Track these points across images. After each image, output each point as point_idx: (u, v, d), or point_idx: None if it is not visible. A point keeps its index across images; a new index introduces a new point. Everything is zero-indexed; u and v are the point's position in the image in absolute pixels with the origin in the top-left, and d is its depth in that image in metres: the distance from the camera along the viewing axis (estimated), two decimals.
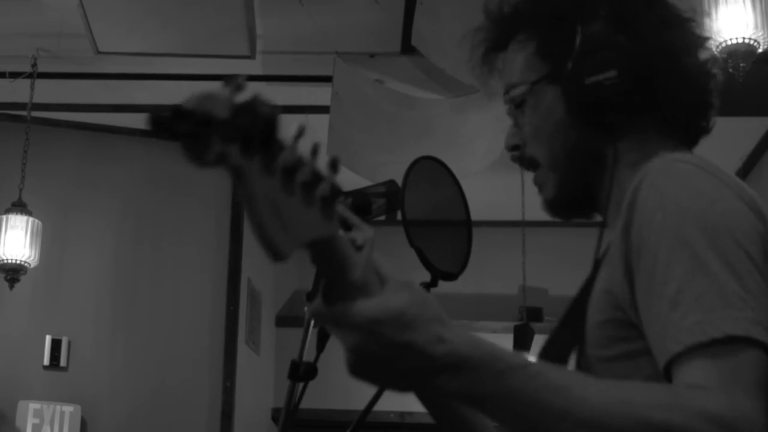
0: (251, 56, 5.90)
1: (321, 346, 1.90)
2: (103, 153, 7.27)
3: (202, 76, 6.44)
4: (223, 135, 1.02)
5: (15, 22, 5.96)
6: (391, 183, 1.86)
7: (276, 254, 1.08)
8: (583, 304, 1.63)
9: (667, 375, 1.38)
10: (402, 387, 1.30)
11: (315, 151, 1.15)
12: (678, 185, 1.49)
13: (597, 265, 1.69)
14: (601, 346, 1.57)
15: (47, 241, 6.42)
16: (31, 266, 6.21)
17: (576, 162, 1.73)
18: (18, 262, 6.12)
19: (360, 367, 1.24)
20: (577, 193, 1.74)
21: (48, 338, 6.78)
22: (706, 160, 1.55)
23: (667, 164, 1.54)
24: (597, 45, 1.66)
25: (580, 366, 1.63)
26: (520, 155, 1.80)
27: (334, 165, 1.17)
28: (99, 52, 5.86)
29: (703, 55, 1.73)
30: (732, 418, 1.28)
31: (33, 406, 6.55)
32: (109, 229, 7.20)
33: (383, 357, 1.23)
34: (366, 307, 1.21)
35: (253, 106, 1.06)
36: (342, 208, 1.26)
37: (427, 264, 1.84)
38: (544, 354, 1.70)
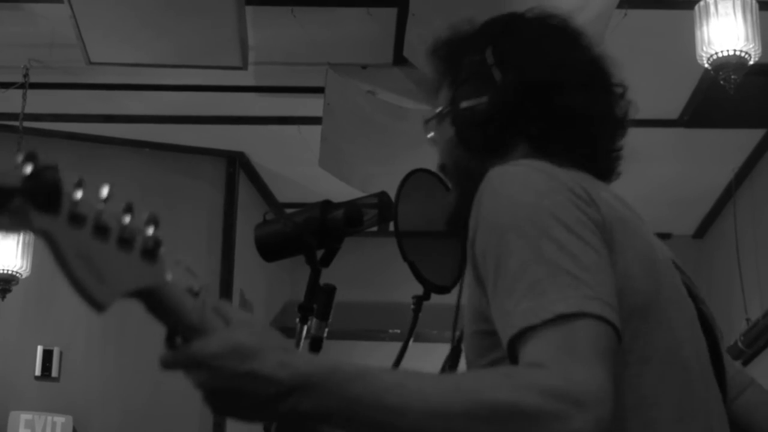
0: (243, 67, 5.90)
1: None
2: (95, 163, 7.26)
3: (194, 86, 6.44)
4: (17, 200, 1.07)
5: (7, 32, 5.95)
6: (382, 194, 1.87)
7: (95, 305, 1.15)
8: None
9: (512, 362, 1.42)
10: (261, 417, 1.38)
11: (129, 209, 1.23)
12: (510, 185, 1.56)
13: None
14: (475, 356, 1.62)
15: (39, 251, 6.40)
16: (23, 277, 6.20)
17: (462, 180, 1.82)
18: (10, 272, 6.12)
19: (213, 402, 1.33)
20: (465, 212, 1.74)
21: (39, 349, 6.78)
22: (543, 163, 1.63)
23: (502, 169, 1.61)
24: (475, 76, 1.82)
25: None
26: (443, 169, 1.91)
27: (153, 220, 1.27)
28: (91, 63, 5.85)
29: (591, 91, 1.81)
30: (567, 388, 1.32)
31: (24, 416, 6.54)
32: None
33: (230, 389, 1.30)
34: (205, 343, 1.31)
35: (40, 171, 1.10)
36: (180, 261, 1.33)
37: (420, 278, 1.84)
38: (444, 367, 1.78)
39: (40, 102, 6.47)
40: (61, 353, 6.82)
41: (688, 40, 5.01)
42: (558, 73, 1.78)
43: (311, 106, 6.37)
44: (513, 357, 1.41)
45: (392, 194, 1.89)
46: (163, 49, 5.84)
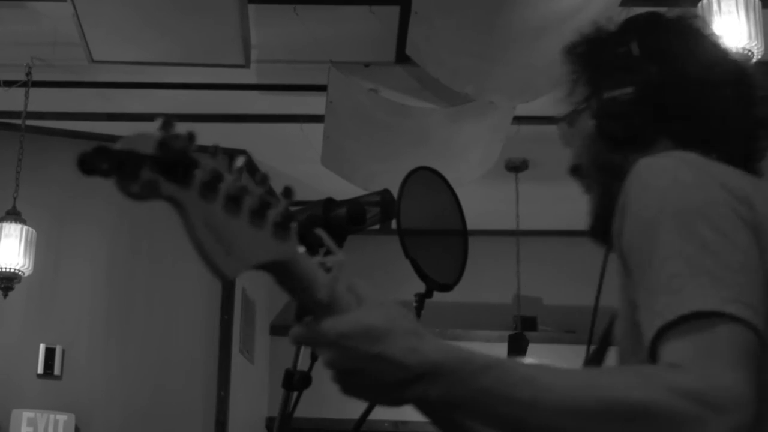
0: (246, 65, 5.90)
1: (315, 355, 1.90)
2: None
3: (196, 85, 6.44)
4: (148, 168, 1.06)
5: (10, 30, 5.96)
6: (385, 192, 1.86)
7: (220, 275, 1.14)
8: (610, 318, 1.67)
9: (652, 358, 1.40)
10: (389, 400, 1.33)
11: (263, 180, 1.20)
12: (658, 178, 1.53)
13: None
14: (630, 353, 1.59)
15: (41, 249, 6.41)
16: (26, 275, 6.20)
17: (602, 177, 1.80)
18: (12, 270, 6.11)
19: (341, 382, 1.30)
20: (609, 210, 1.70)
21: (42, 347, 6.78)
22: (696, 156, 1.60)
23: (651, 160, 1.58)
24: (619, 68, 1.79)
25: None
26: (577, 170, 1.88)
27: (287, 192, 1.22)
28: (93, 61, 5.85)
29: (729, 84, 1.79)
30: (706, 391, 1.30)
31: (27, 414, 6.54)
32: (103, 237, 7.19)
33: (359, 370, 1.28)
34: (336, 322, 1.26)
35: (177, 140, 1.10)
36: (319, 232, 1.31)
37: (422, 275, 1.84)
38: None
39: (42, 100, 6.47)
40: (63, 351, 6.82)
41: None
42: (706, 70, 1.76)
43: (314, 104, 6.37)
44: (653, 354, 1.40)
45: (395, 192, 1.89)
46: (165, 48, 5.84)
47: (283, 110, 6.91)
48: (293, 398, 1.88)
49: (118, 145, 1.10)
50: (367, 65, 6.24)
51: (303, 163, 7.43)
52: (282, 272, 1.26)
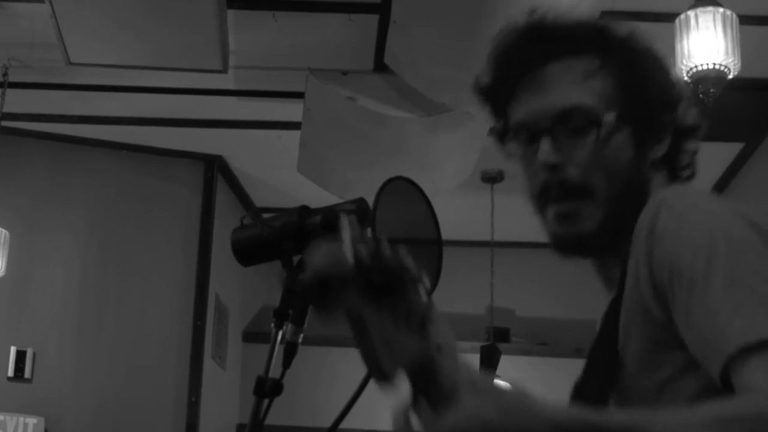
0: (224, 71, 5.89)
1: (287, 362, 1.90)
2: (73, 165, 7.25)
3: (174, 89, 6.43)
4: (352, 290, 1.11)
5: None
6: (360, 201, 1.86)
7: (381, 377, 1.18)
8: (611, 340, 1.67)
9: (723, 383, 1.42)
10: None
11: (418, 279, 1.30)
12: (695, 208, 1.56)
13: (617, 300, 1.69)
14: (646, 373, 1.60)
15: (14, 252, 6.38)
16: None
17: (629, 198, 1.74)
18: None
19: None
20: (616, 229, 1.72)
21: (13, 349, 6.75)
22: (703, 191, 1.66)
23: (678, 192, 1.63)
24: (667, 86, 1.81)
25: (621, 401, 1.66)
26: (561, 177, 1.75)
27: (428, 288, 1.32)
28: (71, 63, 5.83)
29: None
30: None
31: None
32: (76, 241, 7.17)
33: None
34: (454, 419, 1.30)
35: (379, 257, 1.15)
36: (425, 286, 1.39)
37: None
38: (579, 396, 1.73)
39: (18, 101, 6.45)
40: (34, 354, 6.80)
41: (667, 53, 5.02)
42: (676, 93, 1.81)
43: (291, 111, 6.37)
44: (725, 377, 1.42)
45: (370, 201, 1.89)
46: (143, 51, 5.83)
47: (260, 116, 6.91)
48: (264, 405, 1.87)
49: (320, 270, 1.19)
50: (345, 73, 6.24)
51: (279, 170, 7.43)
52: (421, 368, 1.31)
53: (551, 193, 1.75)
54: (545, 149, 1.75)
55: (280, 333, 1.91)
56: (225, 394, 7.88)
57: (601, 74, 1.77)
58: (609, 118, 1.73)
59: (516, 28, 1.88)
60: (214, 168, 7.65)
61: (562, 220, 1.76)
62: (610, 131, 1.73)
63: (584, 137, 1.74)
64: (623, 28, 1.86)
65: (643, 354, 1.60)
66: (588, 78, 1.77)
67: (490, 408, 1.31)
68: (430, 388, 1.30)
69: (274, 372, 1.90)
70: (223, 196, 7.81)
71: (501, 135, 1.87)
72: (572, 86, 1.77)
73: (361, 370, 1.85)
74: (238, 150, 7.51)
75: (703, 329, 1.46)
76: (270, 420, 2.00)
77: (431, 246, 1.91)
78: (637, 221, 1.65)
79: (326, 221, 1.85)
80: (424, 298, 1.23)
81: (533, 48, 1.83)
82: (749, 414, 1.32)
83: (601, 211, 1.73)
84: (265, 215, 1.97)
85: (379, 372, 1.14)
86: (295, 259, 1.88)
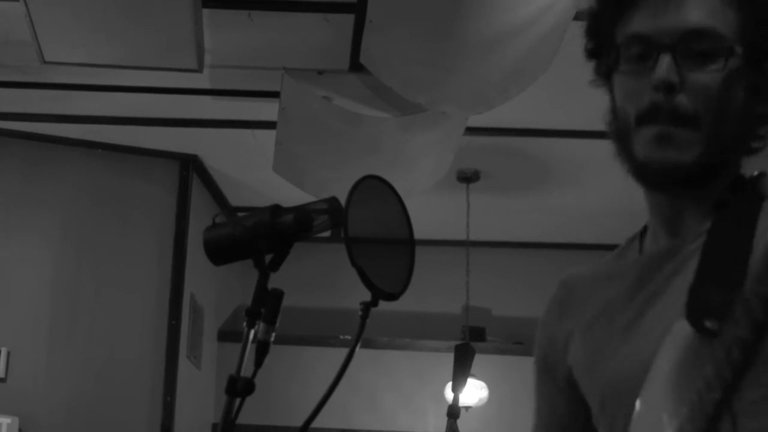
0: (199, 70, 5.88)
1: (259, 361, 1.90)
2: (47, 164, 7.22)
3: (149, 88, 6.41)
4: None
5: None
6: (333, 200, 1.87)
7: None
8: (740, 256, 1.51)
9: None
10: None
11: None
12: None
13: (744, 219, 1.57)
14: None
15: None
16: None
17: (733, 142, 1.64)
18: None
19: None
20: (712, 169, 1.62)
21: None
22: None
23: None
24: None
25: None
26: (675, 101, 1.60)
27: None
28: (45, 62, 5.80)
29: None
30: None
31: None
32: (50, 240, 7.14)
33: None
34: None
35: None
36: None
37: (368, 283, 1.84)
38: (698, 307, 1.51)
39: None
40: (8, 354, 6.77)
41: None
42: None
43: (266, 110, 6.36)
44: None
45: (344, 200, 1.89)
46: (118, 50, 5.81)
47: (235, 116, 6.89)
48: (236, 404, 1.88)
49: None
50: (320, 73, 6.23)
51: (255, 169, 7.42)
52: None
53: (659, 115, 1.60)
54: (665, 67, 1.60)
55: (252, 332, 1.92)
56: (200, 394, 7.86)
57: (737, 5, 1.63)
58: (739, 51, 1.60)
59: None
60: (190, 167, 7.63)
61: (664, 144, 1.60)
62: (736, 67, 1.60)
63: (709, 65, 1.60)
64: None
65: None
66: (724, 4, 1.62)
67: None
68: None
69: (247, 371, 1.91)
70: (198, 196, 7.79)
71: (596, 51, 1.73)
72: (707, 8, 1.62)
73: (336, 370, 1.86)
74: (214, 149, 7.50)
75: None
76: (246, 419, 2.00)
77: (404, 245, 1.92)
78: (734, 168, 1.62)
79: (299, 220, 1.86)
80: None
81: None
82: None
83: (704, 146, 1.60)
84: (241, 214, 1.97)
85: None
86: (268, 257, 1.89)
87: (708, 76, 1.59)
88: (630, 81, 1.64)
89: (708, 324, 1.41)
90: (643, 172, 1.63)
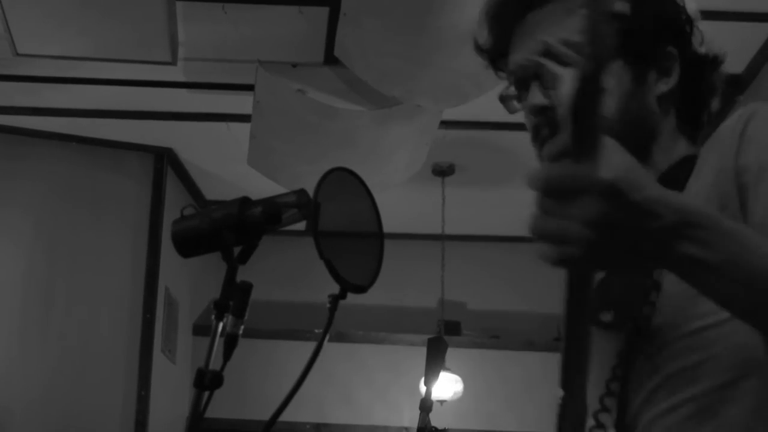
0: (173, 63, 5.86)
1: (228, 354, 1.89)
2: (21, 156, 7.18)
3: (123, 81, 6.39)
4: None
5: None
6: (301, 192, 1.86)
7: None
8: None
9: None
10: (641, 257, 1.23)
11: None
12: None
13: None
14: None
15: None
16: None
17: (629, 133, 1.60)
18: None
19: (596, 245, 1.15)
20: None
21: None
22: None
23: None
24: (666, 12, 1.70)
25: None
26: (551, 118, 1.67)
27: None
28: (18, 54, 5.78)
29: None
30: None
31: None
32: (23, 233, 7.11)
33: (618, 226, 1.15)
34: (598, 167, 1.14)
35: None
36: None
37: (336, 276, 1.83)
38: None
39: None
40: None
41: None
42: None
43: (241, 103, 6.35)
44: None
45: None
46: (91, 43, 5.79)
47: (209, 108, 6.88)
48: (205, 398, 1.87)
49: None
50: (294, 66, 6.22)
51: (229, 163, 7.40)
52: None
53: (541, 133, 1.68)
54: (532, 94, 1.70)
55: (221, 325, 1.91)
56: (175, 388, 7.84)
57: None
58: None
59: None
60: (164, 160, 7.61)
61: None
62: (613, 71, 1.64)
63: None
64: None
65: None
66: (571, 15, 1.67)
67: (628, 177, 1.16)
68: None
69: (217, 364, 1.90)
70: (172, 189, 7.77)
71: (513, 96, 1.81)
72: (552, 27, 1.69)
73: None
74: (188, 142, 7.48)
75: None
76: (221, 413, 2.00)
77: (373, 238, 1.91)
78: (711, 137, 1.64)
79: (267, 212, 1.85)
80: None
81: (514, 1, 1.77)
82: None
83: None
84: (211, 207, 1.96)
85: None
86: (236, 250, 1.88)
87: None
88: (524, 107, 1.74)
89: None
90: None
